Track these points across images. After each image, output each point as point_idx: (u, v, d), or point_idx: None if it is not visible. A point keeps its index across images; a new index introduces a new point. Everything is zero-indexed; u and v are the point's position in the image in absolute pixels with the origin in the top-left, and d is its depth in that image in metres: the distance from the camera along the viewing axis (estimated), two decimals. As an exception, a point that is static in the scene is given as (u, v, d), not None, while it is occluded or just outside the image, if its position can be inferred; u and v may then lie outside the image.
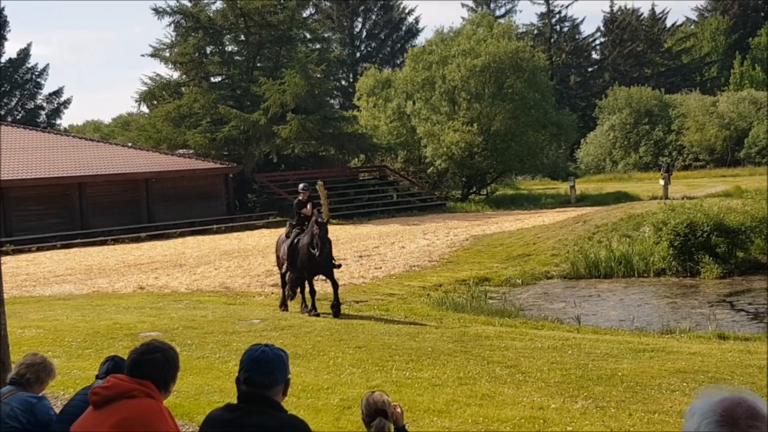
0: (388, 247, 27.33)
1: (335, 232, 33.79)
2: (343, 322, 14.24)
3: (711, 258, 20.64)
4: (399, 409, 4.32)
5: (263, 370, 3.51)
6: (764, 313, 16.33)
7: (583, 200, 43.41)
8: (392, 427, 4.30)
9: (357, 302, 17.84)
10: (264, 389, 3.50)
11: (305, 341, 11.84)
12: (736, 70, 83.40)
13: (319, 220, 15.09)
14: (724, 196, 34.59)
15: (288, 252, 15.55)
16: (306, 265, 15.19)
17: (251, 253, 27.33)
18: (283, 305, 16.11)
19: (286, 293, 16.23)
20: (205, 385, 9.11)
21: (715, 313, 16.06)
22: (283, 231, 17.45)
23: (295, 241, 15.44)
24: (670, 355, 10.77)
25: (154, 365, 3.83)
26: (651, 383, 8.90)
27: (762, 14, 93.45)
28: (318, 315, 14.96)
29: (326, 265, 15.36)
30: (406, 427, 4.53)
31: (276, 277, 21.35)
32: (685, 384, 8.82)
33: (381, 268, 22.83)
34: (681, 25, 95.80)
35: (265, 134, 43.78)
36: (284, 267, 15.82)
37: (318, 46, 52.14)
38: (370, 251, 26.43)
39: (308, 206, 15.93)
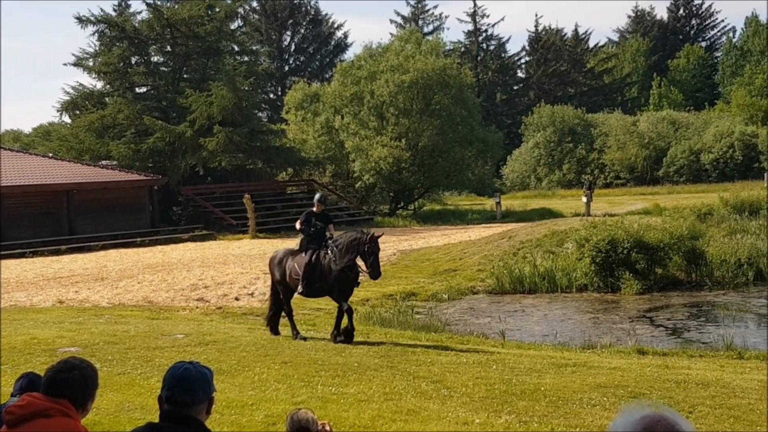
0: (315, 262, 27.19)
1: (262, 246, 33.55)
2: (269, 337, 14.10)
3: (631, 274, 21.13)
4: (328, 428, 4.29)
5: (186, 388, 3.44)
6: (682, 329, 16.77)
7: (509, 216, 44.01)
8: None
9: (283, 317, 17.68)
10: (186, 408, 3.43)
11: (230, 357, 11.69)
12: (656, 90, 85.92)
13: (376, 234, 13.59)
14: (643, 213, 35.51)
15: (305, 271, 13.64)
16: (335, 286, 13.58)
17: (176, 267, 26.90)
18: (296, 333, 14.26)
19: (270, 316, 14.67)
20: (126, 401, 8.90)
21: (635, 329, 16.42)
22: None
23: (314, 258, 13.66)
24: (591, 369, 10.96)
25: (71, 383, 3.72)
26: (573, 398, 9.03)
27: (680, 37, 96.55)
28: (350, 339, 13.49)
29: (353, 286, 14.02)
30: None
31: (202, 291, 21.09)
32: (605, 398, 8.98)
33: (308, 282, 22.69)
34: (603, 46, 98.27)
35: (191, 146, 43.24)
36: (300, 288, 13.77)
37: (246, 58, 51.88)
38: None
39: (329, 228, 14.20)
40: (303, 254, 13.89)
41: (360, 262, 13.57)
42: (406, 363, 11.36)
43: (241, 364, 11.10)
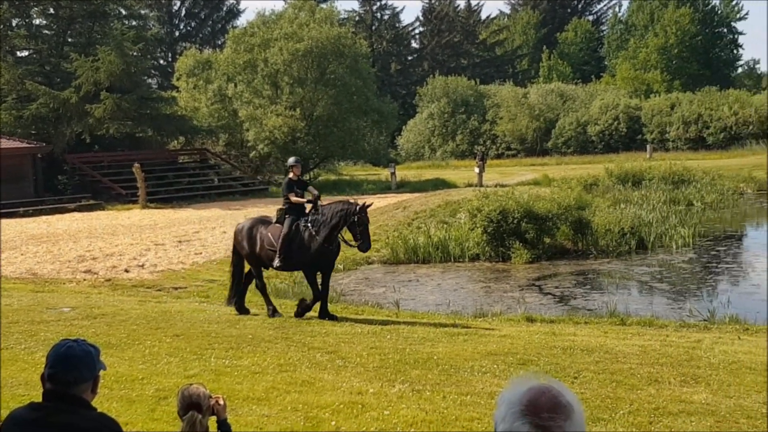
0: (209, 232, 26.79)
1: (153, 216, 32.82)
2: (160, 309, 13.83)
3: (521, 244, 21.67)
4: (222, 402, 4.22)
5: (69, 366, 3.33)
6: (569, 296, 17.33)
7: (403, 187, 44.36)
8: (213, 420, 4.20)
9: (175, 289, 17.39)
10: (69, 387, 3.33)
11: (119, 330, 11.42)
12: (545, 63, 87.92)
13: (366, 204, 12.97)
14: (533, 184, 36.44)
15: (282, 243, 12.79)
16: (317, 260, 12.84)
17: (62, 238, 26.00)
18: (240, 306, 13.57)
19: (232, 292, 13.77)
20: (9, 377, 8.59)
21: (524, 297, 16.87)
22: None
23: (293, 229, 12.86)
24: (482, 338, 11.21)
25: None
26: (464, 366, 9.22)
27: (569, 10, 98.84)
28: (336, 318, 12.91)
29: (334, 259, 13.37)
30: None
31: (89, 263, 20.46)
32: (495, 366, 9.20)
33: (201, 253, 22.34)
34: (495, 18, 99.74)
35: (77, 113, 41.72)
36: (276, 261, 12.90)
37: (134, 23, 50.18)
38: (190, 236, 25.82)
39: (309, 190, 13.44)
40: (279, 225, 13.11)
41: (347, 234, 13.07)
42: (301, 334, 11.35)
43: (131, 338, 10.86)
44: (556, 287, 18.36)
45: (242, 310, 13.54)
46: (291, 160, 13.73)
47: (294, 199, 13.14)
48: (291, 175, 13.41)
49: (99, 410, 3.46)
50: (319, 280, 13.11)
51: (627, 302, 15.65)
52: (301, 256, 12.85)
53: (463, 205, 25.88)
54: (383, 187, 45.58)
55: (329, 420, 7.18)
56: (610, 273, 19.91)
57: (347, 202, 13.26)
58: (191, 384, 4.27)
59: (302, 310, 13.09)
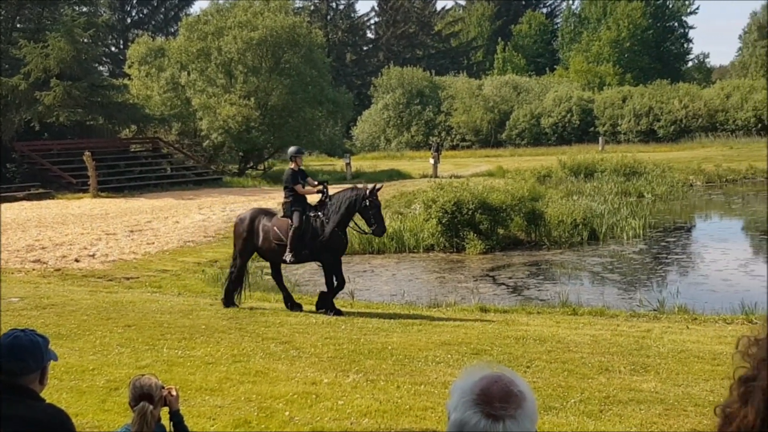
0: (161, 222, 26.51)
1: (104, 205, 32.36)
2: (111, 299, 13.65)
3: (475, 234, 21.80)
4: (174, 393, 4.18)
5: (15, 357, 3.28)
6: (522, 287, 17.49)
7: (358, 177, 44.30)
8: (166, 411, 4.17)
9: (127, 279, 17.19)
10: (16, 377, 3.27)
11: (69, 320, 11.26)
12: (500, 55, 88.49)
13: (377, 186, 12.82)
14: (488, 175, 36.70)
15: (293, 238, 12.40)
16: (327, 249, 12.52)
17: (10, 227, 25.51)
18: (294, 304, 13.05)
19: (230, 287, 13.09)
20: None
21: (478, 287, 16.98)
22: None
23: (303, 222, 12.50)
24: (436, 328, 11.27)
25: None
26: (418, 355, 9.26)
27: (523, 3, 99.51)
28: (341, 313, 12.52)
29: (345, 247, 13.00)
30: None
31: (39, 253, 20.11)
32: (449, 356, 9.25)
33: (153, 243, 22.10)
34: (450, 10, 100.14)
35: (26, 100, 40.89)
36: (289, 257, 12.50)
37: (85, 9, 49.28)
38: (142, 226, 25.52)
39: (308, 181, 13.03)
40: (286, 218, 12.67)
41: (358, 220, 12.89)
42: (255, 324, 11.30)
43: (81, 328, 10.72)
44: (510, 278, 18.51)
45: (295, 304, 13.05)
46: (292, 149, 13.28)
47: (300, 189, 12.78)
48: (293, 165, 13.00)
49: (48, 401, 3.41)
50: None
51: (579, 292, 15.85)
52: (313, 249, 12.54)
53: (418, 196, 25.96)
54: (338, 178, 45.46)
55: (283, 410, 7.17)
56: (562, 263, 20.14)
57: (355, 187, 13.08)
58: (143, 375, 4.23)
59: (323, 302, 12.76)
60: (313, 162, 59.07)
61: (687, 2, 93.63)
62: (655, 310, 13.60)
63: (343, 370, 8.59)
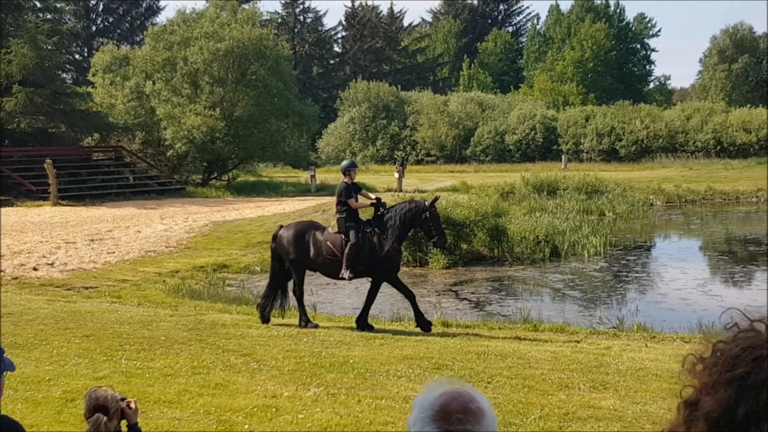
0: (122, 231, 26.23)
1: (64, 213, 31.95)
2: (70, 309, 13.46)
3: (438, 249, 21.84)
4: (133, 406, 4.13)
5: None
6: (484, 302, 17.56)
7: (323, 190, 44.27)
8: (124, 424, 4.11)
9: (86, 288, 16.96)
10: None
11: (26, 330, 11.08)
12: (466, 72, 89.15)
13: (436, 197, 12.88)
14: (452, 190, 36.86)
15: (350, 254, 12.16)
16: (384, 265, 12.38)
17: (-33, 235, 25.10)
18: (307, 321, 12.67)
19: (264, 303, 12.77)
20: None
21: (441, 302, 17.02)
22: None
23: (361, 238, 12.26)
24: (398, 342, 11.27)
25: None
26: (380, 369, 9.25)
27: (489, 21, 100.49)
28: (372, 329, 12.37)
29: (400, 262, 12.99)
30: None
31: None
32: (411, 370, 9.25)
33: (114, 252, 21.86)
34: (417, 26, 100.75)
35: (-13, 106, 40.36)
36: (348, 274, 12.30)
37: (49, 16, 48.82)
38: (103, 235, 25.23)
39: (363, 193, 12.82)
40: (339, 234, 12.39)
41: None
42: (215, 336, 11.20)
43: (38, 338, 10.55)
44: (472, 293, 18.58)
45: (267, 318, 12.75)
46: (345, 163, 13.05)
47: (354, 204, 12.56)
48: (346, 179, 12.68)
49: (3, 412, 3.35)
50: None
51: (540, 308, 15.95)
52: (369, 265, 12.36)
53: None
54: (303, 190, 45.44)
55: (242, 423, 7.11)
56: (524, 280, 20.26)
57: (413, 201, 12.94)
58: (99, 386, 4.18)
59: (420, 318, 12.54)
60: (277, 173, 58.91)
61: (649, 25, 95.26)
62: (614, 327, 13.73)
63: (304, 383, 8.55)
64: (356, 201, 12.67)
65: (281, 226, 13.33)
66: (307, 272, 13.20)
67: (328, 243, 12.44)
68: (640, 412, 7.69)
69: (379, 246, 12.27)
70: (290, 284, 13.05)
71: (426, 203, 12.39)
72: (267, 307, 12.71)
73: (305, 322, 12.58)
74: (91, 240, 24.02)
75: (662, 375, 9.20)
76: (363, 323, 12.56)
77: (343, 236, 12.36)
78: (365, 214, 13.44)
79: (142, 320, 12.48)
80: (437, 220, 12.47)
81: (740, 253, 25.17)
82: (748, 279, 20.82)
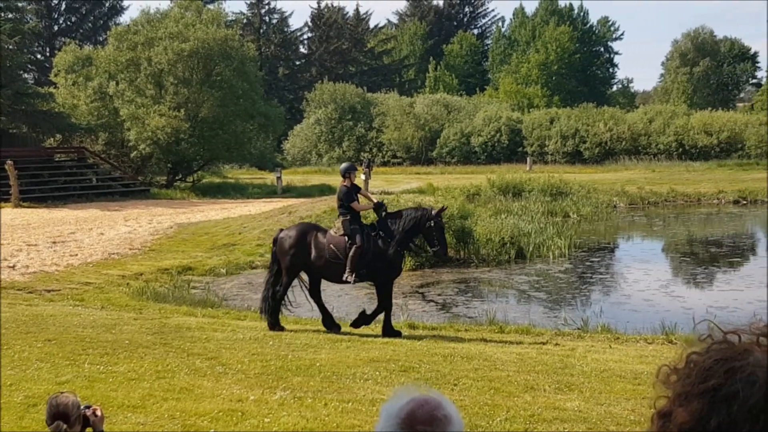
0: (85, 233, 25.93)
1: (26, 215, 31.50)
2: (31, 312, 13.27)
3: (406, 251, 21.85)
4: (99, 413, 4.08)
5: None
6: (451, 304, 17.61)
7: (289, 191, 44.17)
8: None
9: (48, 291, 16.74)
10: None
11: (-13, 335, 10.90)
12: (431, 74, 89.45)
13: (443, 207, 12.96)
14: (418, 192, 36.92)
15: (355, 257, 12.10)
16: (386, 269, 12.39)
17: (-75, 238, 24.65)
18: (332, 324, 12.76)
19: (266, 305, 12.70)
20: None
21: (407, 304, 17.03)
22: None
23: (365, 241, 12.23)
24: (365, 344, 11.26)
25: None
26: (347, 372, 9.23)
27: (455, 23, 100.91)
28: (400, 335, 12.31)
29: (401, 267, 12.97)
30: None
31: None
32: (377, 373, 9.25)
33: (77, 255, 21.60)
34: (383, 28, 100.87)
35: (-54, 106, 39.71)
36: (351, 278, 12.26)
37: (11, 15, 48.10)
38: (65, 237, 24.92)
39: (362, 192, 12.84)
40: (343, 235, 12.28)
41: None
42: (180, 340, 11.11)
43: (-1, 343, 10.39)
44: (439, 295, 18.63)
45: (334, 325, 12.75)
46: (344, 165, 12.93)
47: (357, 207, 12.51)
48: (346, 182, 12.60)
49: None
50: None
51: (506, 310, 16.03)
52: (378, 266, 12.30)
53: (348, 212, 25.95)
54: (269, 191, 45.27)
55: (208, 428, 7.06)
56: (490, 281, 20.36)
57: (420, 207, 12.90)
58: (62, 392, 4.12)
59: (362, 321, 12.56)
60: (243, 175, 58.64)
61: (612, 28, 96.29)
62: (579, 328, 13.83)
63: (270, 387, 8.51)
64: (358, 203, 12.61)
65: (282, 229, 13.28)
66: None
67: (331, 245, 12.34)
68: (604, 413, 7.76)
69: (384, 250, 12.23)
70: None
71: (433, 212, 12.38)
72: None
73: (274, 324, 12.50)
74: (54, 242, 23.72)
75: (626, 376, 9.29)
76: (389, 330, 12.37)
77: (348, 239, 12.28)
78: (366, 218, 13.40)
79: (105, 324, 12.35)
80: (441, 231, 12.47)
81: (702, 255, 25.51)
82: (709, 280, 21.10)
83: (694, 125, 60.71)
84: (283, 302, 12.83)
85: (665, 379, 1.47)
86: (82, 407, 4.01)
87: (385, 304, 12.48)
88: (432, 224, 12.24)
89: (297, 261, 12.52)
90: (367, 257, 12.21)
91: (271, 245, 13.31)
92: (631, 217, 36.17)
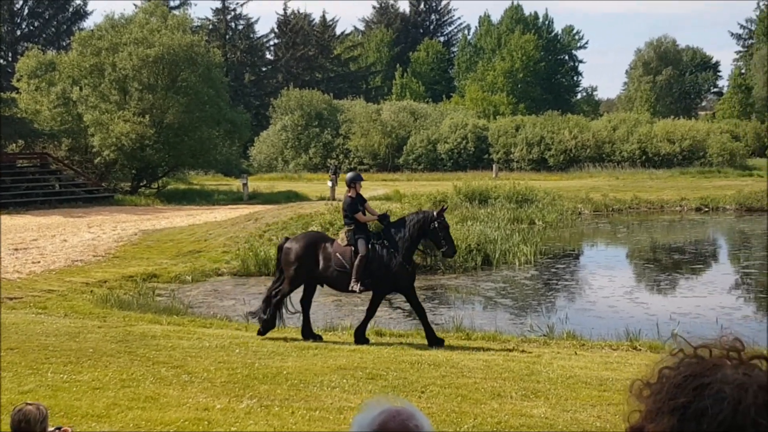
0: (48, 240, 25.61)
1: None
2: (-8, 322, 13.06)
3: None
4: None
5: None
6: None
7: (255, 198, 43.97)
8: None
9: (10, 299, 16.49)
10: None
11: (-53, 345, 10.71)
12: (398, 81, 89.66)
13: (444, 207, 12.81)
14: (385, 199, 36.93)
15: (360, 266, 12.03)
16: (395, 279, 12.40)
17: None
18: (311, 334, 12.74)
19: (263, 315, 12.71)
20: None
21: (374, 311, 17.00)
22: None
23: (370, 250, 12.19)
24: (332, 352, 11.24)
25: None
26: (314, 380, 9.20)
27: (421, 31, 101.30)
28: (442, 343, 12.21)
29: (414, 275, 12.78)
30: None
31: None
32: (345, 380, 9.23)
33: (39, 262, 21.32)
34: (350, 35, 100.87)
35: None
36: (357, 287, 12.19)
37: (-28, 19, 47.53)
38: (28, 244, 24.60)
39: (367, 206, 12.75)
40: (349, 246, 12.26)
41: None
42: (145, 348, 11.01)
43: (-41, 353, 10.21)
44: (406, 301, 18.51)
45: (313, 335, 12.70)
46: (350, 175, 12.91)
47: (362, 218, 12.48)
48: (351, 193, 12.62)
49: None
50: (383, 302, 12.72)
51: (473, 317, 16.09)
52: (383, 277, 12.27)
53: (315, 219, 25.91)
54: (235, 198, 45.03)
55: (174, 437, 7.00)
56: (457, 288, 20.42)
57: (421, 210, 12.91)
58: (27, 404, 4.07)
59: (361, 331, 12.54)
60: (208, 181, 58.26)
61: (577, 37, 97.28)
62: (545, 335, 13.92)
63: (237, 395, 8.46)
64: (363, 214, 12.61)
65: (287, 238, 13.27)
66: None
67: (338, 255, 12.34)
68: (570, 419, 7.81)
69: (389, 260, 12.22)
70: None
71: (434, 213, 12.38)
72: (305, 326, 12.79)
73: (264, 327, 12.65)
74: (15, 249, 23.40)
75: (591, 383, 9.37)
76: (361, 336, 12.46)
77: (353, 248, 12.27)
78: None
79: (69, 332, 12.20)
80: (446, 230, 12.40)
81: (665, 261, 25.81)
82: (673, 286, 21.37)
83: (657, 133, 61.46)
84: (279, 311, 12.85)
85: (638, 393, 1.48)
86: (51, 429, 3.96)
87: (372, 312, 12.63)
88: (436, 225, 12.24)
89: (302, 272, 12.53)
90: (372, 266, 12.21)
91: (277, 253, 13.32)
92: (596, 224, 36.51)
